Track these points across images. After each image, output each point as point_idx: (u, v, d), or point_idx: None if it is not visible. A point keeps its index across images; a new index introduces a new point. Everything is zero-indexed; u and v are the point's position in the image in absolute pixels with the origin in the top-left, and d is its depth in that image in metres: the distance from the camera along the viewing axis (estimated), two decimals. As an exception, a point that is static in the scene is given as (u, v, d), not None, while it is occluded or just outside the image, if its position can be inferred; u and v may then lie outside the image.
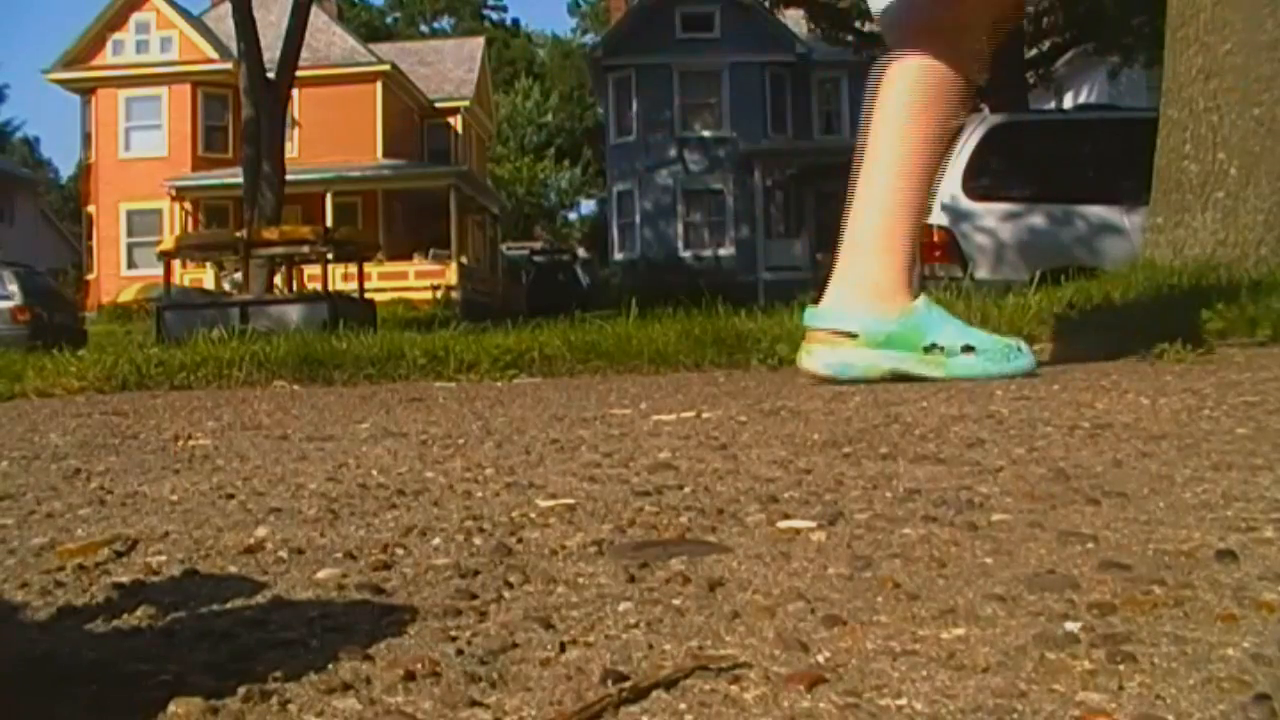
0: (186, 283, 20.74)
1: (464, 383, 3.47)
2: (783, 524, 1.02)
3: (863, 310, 2.59)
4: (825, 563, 0.88)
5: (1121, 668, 0.62)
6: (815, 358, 2.62)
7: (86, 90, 31.14)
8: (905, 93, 2.61)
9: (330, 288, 12.29)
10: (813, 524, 1.02)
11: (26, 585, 0.90)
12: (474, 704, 0.59)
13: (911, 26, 2.62)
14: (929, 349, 2.54)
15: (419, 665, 0.65)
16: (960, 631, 0.69)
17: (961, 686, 0.60)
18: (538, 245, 39.92)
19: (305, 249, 11.15)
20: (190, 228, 28.45)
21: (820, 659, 0.65)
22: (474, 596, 0.81)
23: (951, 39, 2.60)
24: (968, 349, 2.54)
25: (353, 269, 12.34)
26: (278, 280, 13.65)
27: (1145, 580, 0.79)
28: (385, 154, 31.14)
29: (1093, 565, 0.84)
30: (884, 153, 2.62)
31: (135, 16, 31.37)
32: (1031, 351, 2.59)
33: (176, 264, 13.06)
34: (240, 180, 16.60)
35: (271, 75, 16.27)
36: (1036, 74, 18.46)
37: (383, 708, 0.59)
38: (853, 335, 2.58)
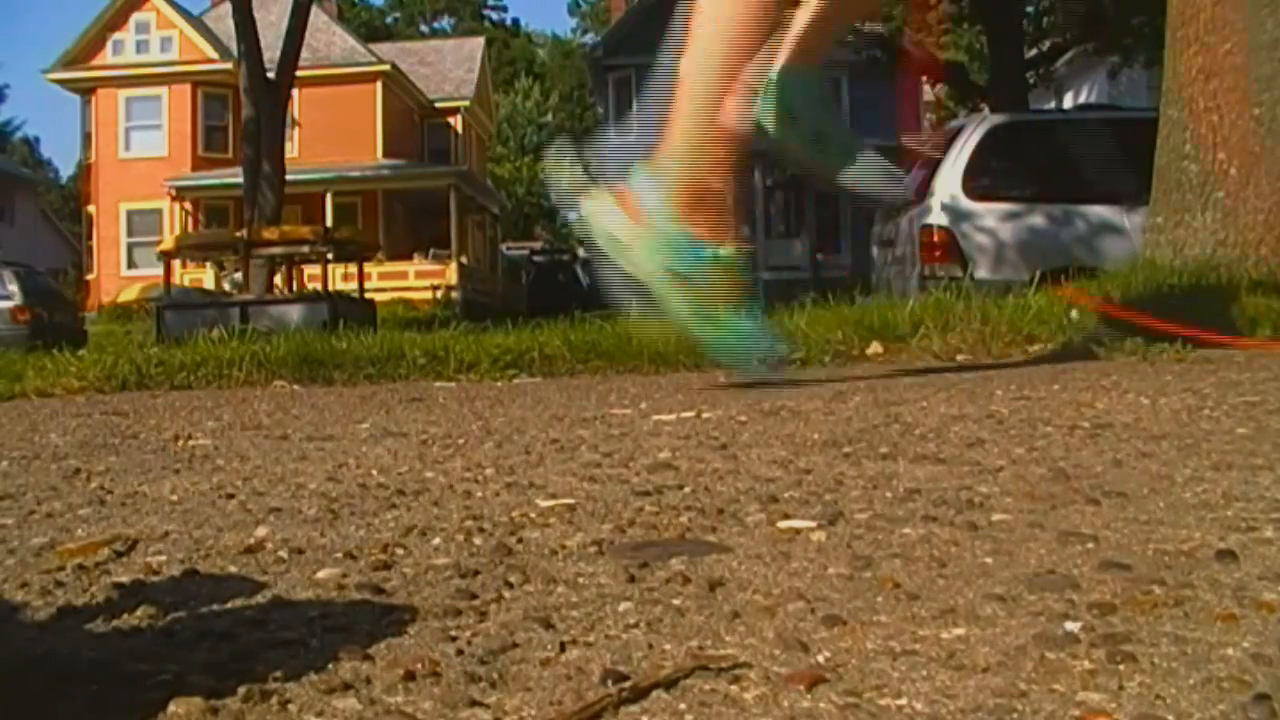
0: (186, 283, 20.73)
1: (464, 383, 3.47)
2: (783, 524, 1.02)
3: (673, 210, 2.37)
4: (825, 563, 0.88)
5: (1121, 668, 0.62)
6: (602, 210, 2.44)
7: (86, 90, 31.13)
8: None
9: (330, 288, 12.29)
10: (813, 524, 1.02)
11: (26, 585, 0.90)
12: (474, 704, 0.59)
13: None
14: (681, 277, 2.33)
15: (419, 665, 0.65)
16: (960, 631, 0.69)
17: (961, 686, 0.60)
18: (538, 245, 39.91)
19: (305, 249, 11.15)
20: (190, 228, 28.45)
21: (820, 659, 0.65)
22: (474, 596, 0.81)
23: None
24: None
25: (353, 269, 12.34)
26: (278, 280, 13.65)
27: (1145, 580, 0.79)
28: (385, 154, 31.13)
29: (1093, 565, 0.84)
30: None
31: (135, 16, 31.36)
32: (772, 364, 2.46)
33: (176, 264, 13.06)
34: (240, 180, 16.61)
35: (271, 75, 16.27)
36: (1036, 74, 18.47)
37: (383, 708, 0.59)
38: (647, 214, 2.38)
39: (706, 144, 2.43)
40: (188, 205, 30.03)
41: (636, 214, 2.42)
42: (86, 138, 31.63)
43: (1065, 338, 3.46)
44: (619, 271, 2.42)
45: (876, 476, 1.26)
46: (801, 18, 2.38)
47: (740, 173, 2.49)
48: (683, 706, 0.58)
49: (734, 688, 0.61)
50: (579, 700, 0.60)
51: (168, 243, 11.92)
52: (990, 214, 8.50)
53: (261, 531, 1.07)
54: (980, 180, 8.58)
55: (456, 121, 35.78)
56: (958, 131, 9.08)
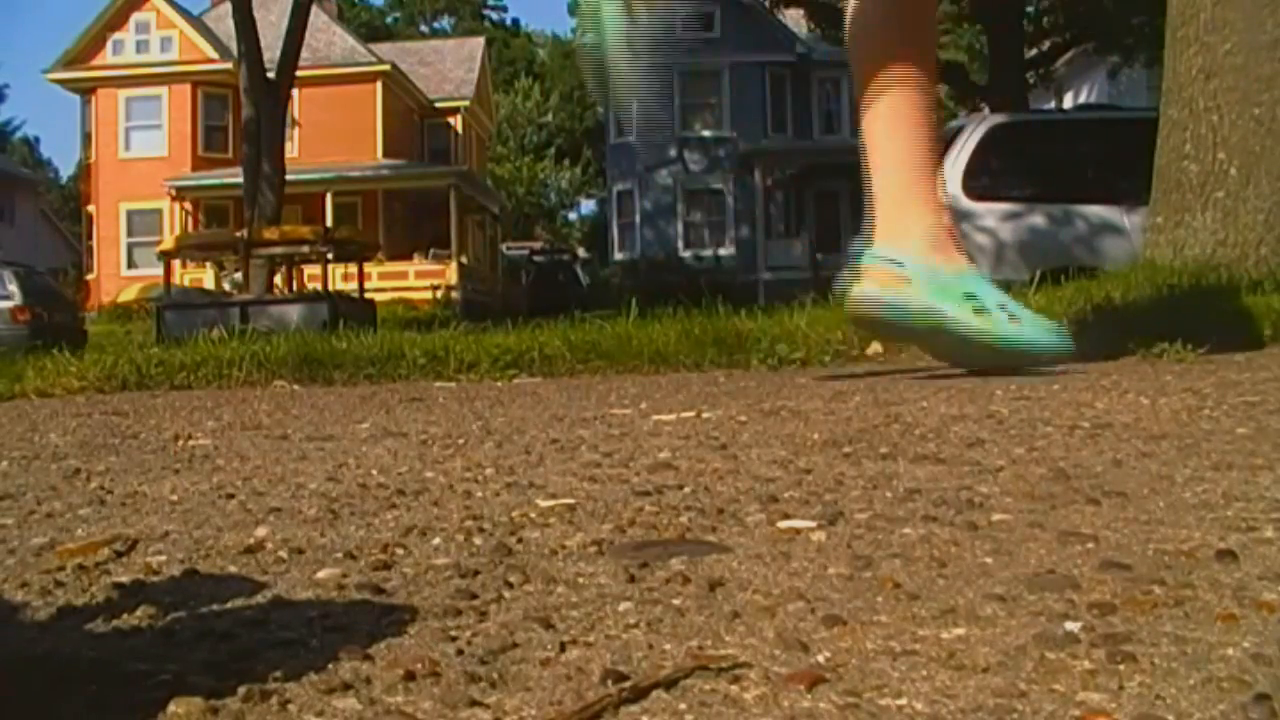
0: (186, 283, 20.73)
1: (464, 383, 3.47)
2: (783, 524, 1.02)
3: (919, 255, 2.53)
4: (825, 563, 0.88)
5: (1121, 668, 0.62)
6: (868, 294, 2.56)
7: (86, 90, 31.13)
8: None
9: (330, 287, 12.29)
10: (813, 524, 1.02)
11: (26, 585, 0.90)
12: (474, 704, 0.59)
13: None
14: (979, 310, 2.49)
15: (419, 665, 0.64)
16: (960, 631, 0.69)
17: (961, 686, 0.60)
18: (538, 245, 39.90)
19: (305, 249, 11.16)
20: (190, 228, 28.45)
21: (820, 659, 0.65)
22: (474, 596, 0.81)
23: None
24: (1013, 317, 2.51)
25: (353, 269, 12.34)
26: (278, 280, 13.65)
27: (1145, 580, 0.79)
28: (385, 154, 31.14)
29: (1093, 565, 0.84)
30: (888, 107, 2.60)
31: (135, 16, 31.36)
32: (1071, 339, 2.56)
33: (176, 264, 13.07)
34: (240, 180, 16.61)
35: (271, 75, 16.27)
36: (1036, 74, 18.47)
37: (383, 708, 0.59)
38: (908, 280, 2.52)
39: (925, 190, 2.60)
40: (188, 205, 30.04)
41: (895, 279, 2.55)
42: (86, 138, 31.63)
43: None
44: (912, 324, 2.56)
45: (876, 476, 1.26)
46: None
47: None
48: (683, 706, 0.58)
49: (734, 688, 0.61)
50: (579, 700, 0.60)
51: (168, 243, 11.92)
52: (990, 214, 8.50)
53: (261, 531, 1.07)
54: (980, 180, 8.58)
55: (456, 121, 35.79)
56: (958, 131, 9.08)
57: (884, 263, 2.56)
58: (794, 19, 26.11)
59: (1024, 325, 2.51)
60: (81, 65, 31.03)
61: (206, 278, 22.92)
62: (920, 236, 2.57)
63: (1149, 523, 0.98)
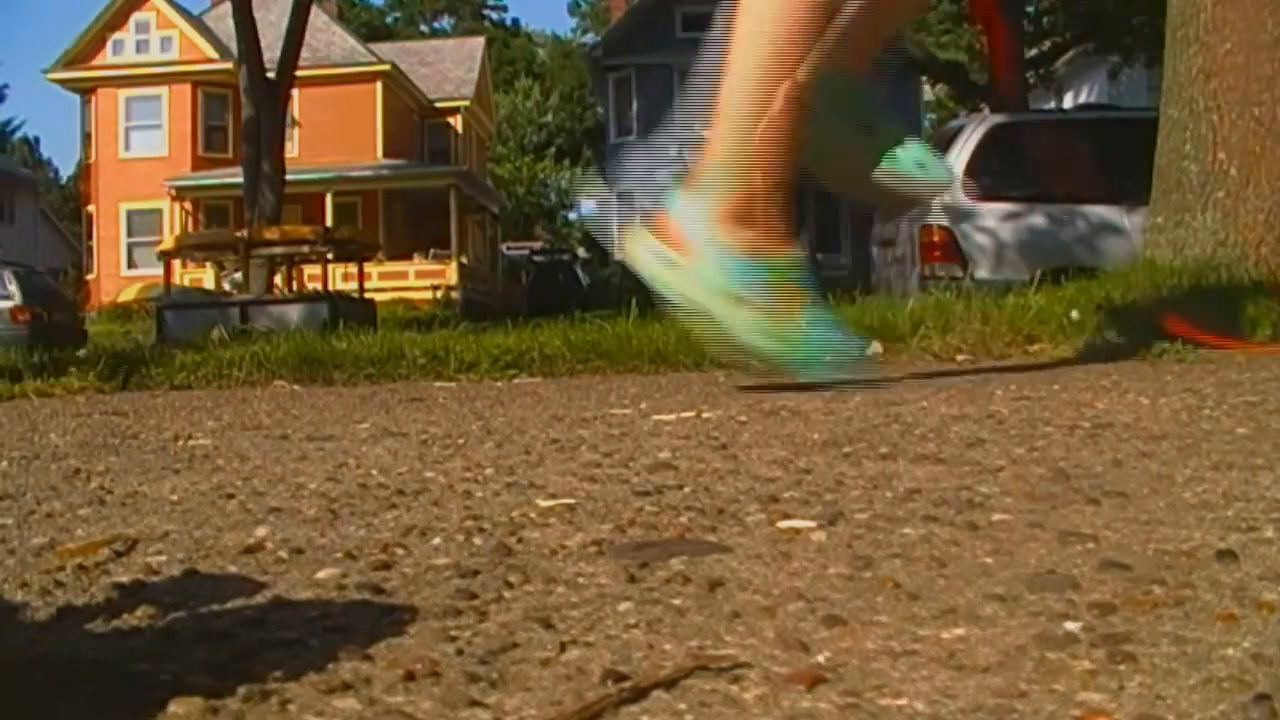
0: (186, 283, 20.74)
1: (464, 383, 3.47)
2: (783, 524, 1.02)
3: (719, 229, 2.26)
4: (825, 563, 0.88)
5: (1121, 668, 0.62)
6: (644, 248, 2.32)
7: (86, 90, 31.14)
8: None
9: (330, 287, 12.30)
10: (813, 524, 1.02)
11: (26, 585, 0.90)
12: (474, 704, 0.59)
13: None
14: (739, 301, 2.22)
15: (419, 665, 0.64)
16: (960, 631, 0.69)
17: (961, 686, 0.60)
18: (538, 245, 39.89)
19: (305, 249, 11.16)
20: (190, 228, 28.45)
21: (820, 659, 0.65)
22: (474, 596, 0.81)
23: None
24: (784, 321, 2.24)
25: (353, 269, 12.34)
26: (278, 280, 13.66)
27: (1145, 580, 0.79)
28: (385, 154, 31.14)
29: (1093, 565, 0.84)
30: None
31: (135, 16, 31.36)
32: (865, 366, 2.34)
33: (176, 264, 13.06)
34: (240, 180, 16.61)
35: (271, 75, 16.27)
36: (1036, 74, 18.47)
37: (383, 708, 0.59)
38: (691, 251, 2.27)
39: (753, 149, 2.29)
40: (188, 205, 30.04)
41: (680, 243, 2.30)
42: (86, 138, 31.63)
43: (1065, 338, 3.46)
44: (676, 305, 2.31)
45: (876, 476, 1.26)
46: (837, 24, 2.28)
47: (788, 174, 2.36)
48: (683, 706, 0.58)
49: (734, 688, 0.61)
50: (579, 700, 0.60)
51: (168, 243, 11.93)
52: (990, 214, 8.51)
53: (261, 531, 1.07)
54: (980, 180, 8.59)
55: (456, 121, 35.79)
56: (958, 131, 9.08)
57: (678, 217, 2.31)
58: (794, 19, 26.06)
59: (795, 334, 2.26)
60: (81, 65, 31.03)
61: (206, 278, 22.93)
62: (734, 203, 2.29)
63: (1149, 523, 0.98)
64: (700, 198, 2.32)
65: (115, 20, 31.29)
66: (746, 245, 2.27)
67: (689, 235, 2.30)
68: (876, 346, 3.49)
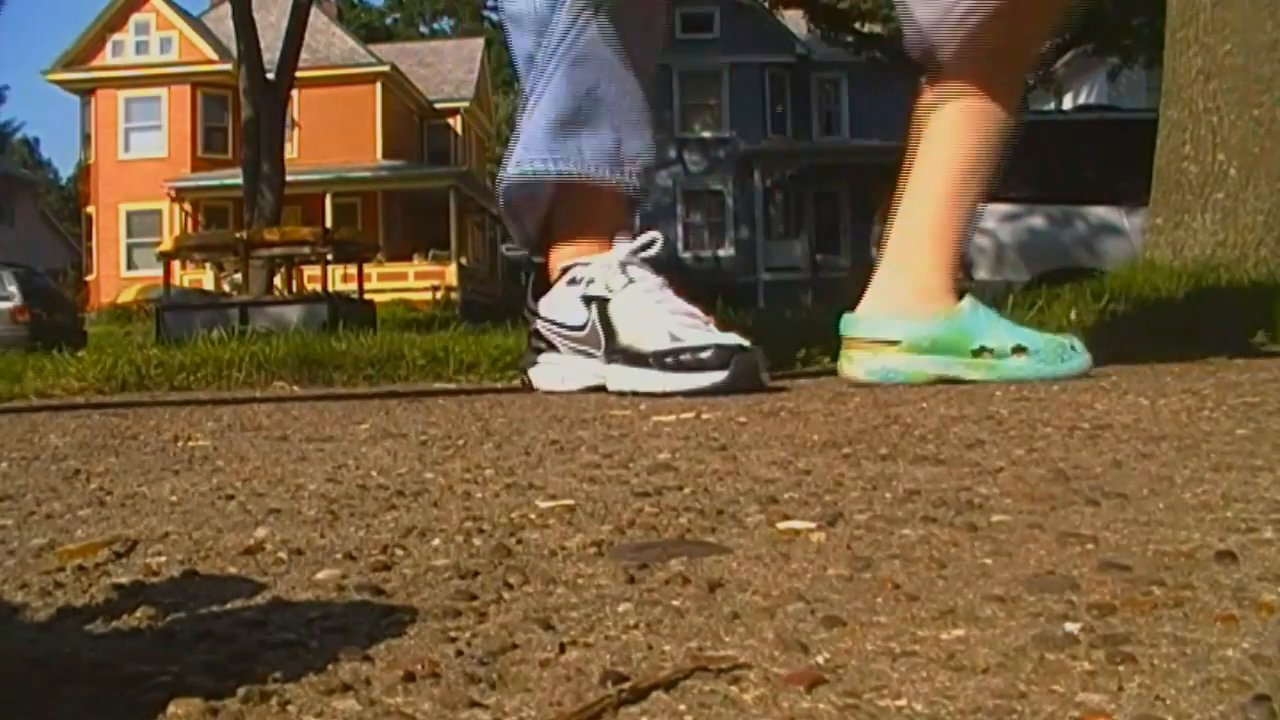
0: (186, 284, 20.74)
1: (463, 383, 3.47)
2: (782, 525, 1.02)
3: (903, 315, 2.48)
4: (825, 563, 0.88)
5: (1121, 668, 0.62)
6: (857, 365, 2.53)
7: (86, 91, 31.15)
8: (952, 115, 2.54)
9: (330, 288, 12.30)
10: (812, 525, 1.02)
11: (26, 586, 0.90)
12: (474, 704, 0.59)
13: (964, 48, 2.47)
14: (978, 352, 2.43)
15: (419, 666, 0.64)
16: (960, 632, 0.69)
17: (961, 687, 0.60)
18: (538, 246, 39.81)
19: (305, 250, 11.17)
20: (190, 228, 28.45)
21: (820, 659, 0.65)
22: (474, 597, 0.81)
23: (1001, 64, 2.52)
24: (1019, 349, 2.43)
25: (352, 269, 12.35)
26: (277, 281, 13.66)
27: (1145, 581, 0.79)
28: (385, 155, 31.16)
29: (1093, 566, 0.84)
30: (930, 169, 2.56)
31: (135, 17, 31.38)
32: (1086, 350, 2.46)
33: (176, 265, 13.06)
34: (240, 181, 16.63)
35: (271, 76, 16.28)
36: (1036, 74, 18.48)
37: (382, 708, 0.59)
38: (894, 342, 2.48)
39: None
40: (187, 206, 30.04)
41: (881, 346, 2.50)
42: (86, 138, 31.64)
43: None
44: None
45: (876, 477, 1.26)
46: None
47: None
48: (682, 707, 0.58)
49: (734, 688, 0.61)
50: (579, 701, 0.60)
51: (167, 243, 11.93)
52: (990, 215, 8.51)
53: (261, 532, 1.07)
54: (980, 181, 8.56)
55: (456, 122, 35.80)
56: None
57: (864, 332, 2.53)
58: (794, 19, 26.11)
59: (1030, 357, 2.42)
60: (81, 66, 31.05)
61: (206, 279, 22.94)
62: (908, 291, 2.52)
63: (1149, 524, 0.98)
64: (878, 303, 2.55)
65: (115, 21, 31.30)
66: (939, 310, 2.49)
67: (880, 336, 2.51)
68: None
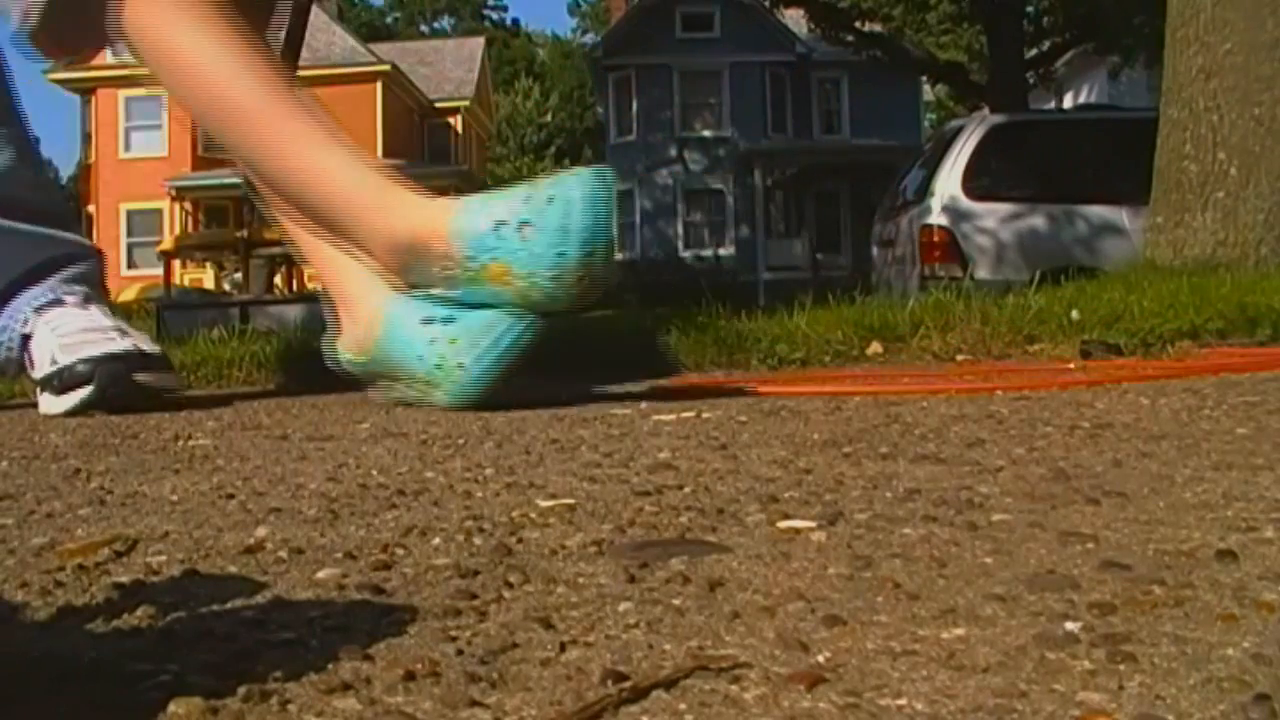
0: (186, 283, 20.74)
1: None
2: (783, 524, 1.02)
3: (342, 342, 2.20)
4: (825, 563, 0.88)
5: (1121, 668, 0.62)
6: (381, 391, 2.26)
7: (86, 90, 31.16)
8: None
9: (330, 288, 12.27)
10: (813, 524, 1.02)
11: (26, 585, 0.90)
12: (474, 704, 0.59)
13: None
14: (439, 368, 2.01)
15: (419, 665, 0.65)
16: (960, 631, 0.69)
17: (961, 686, 0.60)
18: (538, 245, 39.77)
19: (305, 249, 11.14)
20: (190, 228, 28.46)
21: (820, 659, 0.65)
22: (474, 596, 0.81)
23: None
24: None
25: (353, 269, 12.32)
26: (278, 280, 13.66)
27: (1145, 580, 0.79)
28: (385, 154, 31.15)
29: (1093, 565, 0.84)
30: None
31: (135, 16, 31.30)
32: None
33: (176, 264, 13.06)
34: (240, 180, 16.63)
35: (272, 75, 16.27)
36: (1036, 74, 18.49)
37: (383, 708, 0.59)
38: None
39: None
40: (188, 205, 30.05)
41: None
42: (86, 138, 31.66)
43: (1065, 338, 3.46)
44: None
45: (876, 476, 1.26)
46: None
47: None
48: (683, 706, 0.58)
49: (734, 688, 0.61)
50: (579, 700, 0.60)
51: (168, 243, 11.93)
52: (990, 214, 8.52)
53: (261, 532, 1.07)
54: (980, 180, 8.60)
55: (457, 121, 35.81)
56: (958, 131, 9.08)
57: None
58: (794, 19, 26.11)
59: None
60: (81, 65, 31.03)
61: (206, 278, 22.93)
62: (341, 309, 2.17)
63: (1149, 523, 0.98)
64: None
65: (115, 20, 31.27)
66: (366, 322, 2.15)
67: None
68: (877, 347, 3.49)
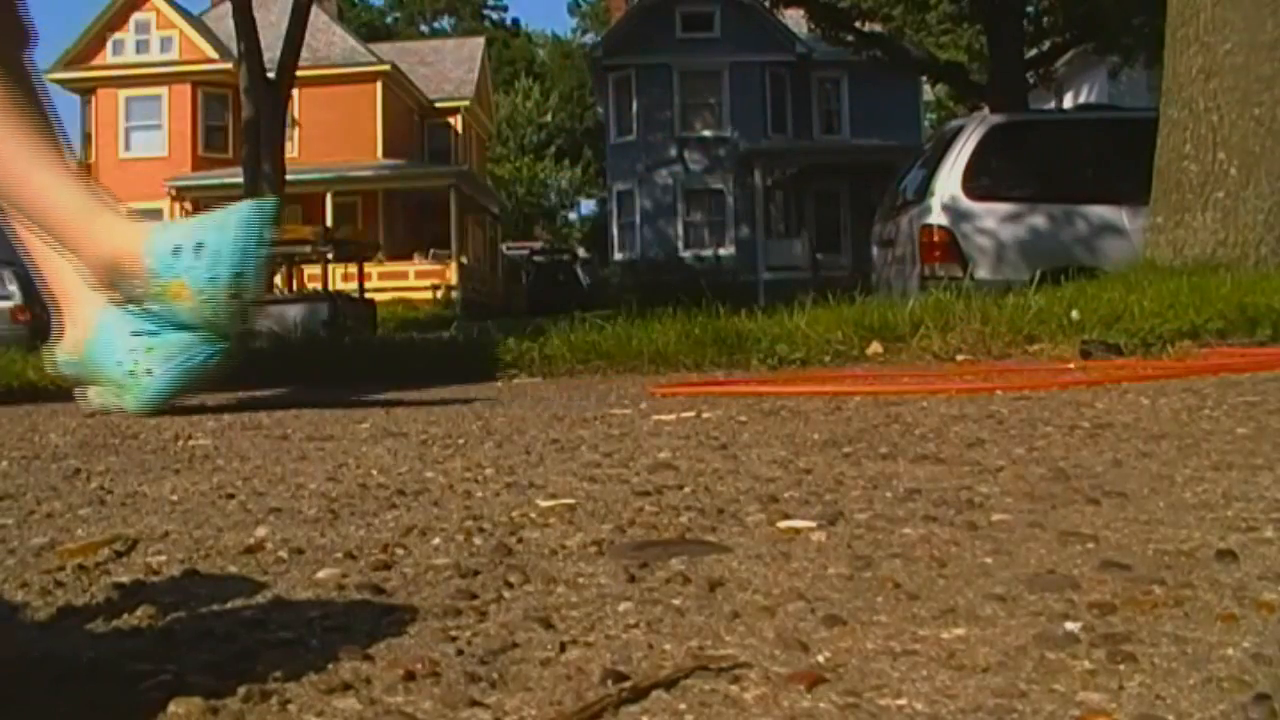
0: (186, 283, 20.70)
1: (464, 383, 3.47)
2: (783, 524, 1.02)
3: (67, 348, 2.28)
4: (825, 563, 0.88)
5: (1121, 668, 0.62)
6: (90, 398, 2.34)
7: (86, 90, 31.12)
8: None
9: (330, 287, 12.30)
10: (813, 524, 1.02)
11: (26, 585, 0.90)
12: (474, 704, 0.59)
13: None
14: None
15: (419, 665, 0.65)
16: (960, 631, 0.69)
17: (961, 686, 0.60)
18: (538, 245, 39.88)
19: (305, 249, 11.16)
20: (190, 228, 28.35)
21: (820, 659, 0.65)
22: (474, 596, 0.81)
23: None
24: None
25: (353, 269, 12.35)
26: (278, 280, 13.66)
27: (1145, 580, 0.79)
28: (385, 154, 31.13)
29: (1093, 565, 0.84)
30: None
31: (135, 16, 31.35)
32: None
33: (176, 264, 13.04)
34: (240, 180, 16.60)
35: (271, 75, 16.26)
36: (1036, 74, 18.47)
37: (383, 708, 0.59)
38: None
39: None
40: (188, 205, 30.01)
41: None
42: (87, 138, 31.61)
43: (1065, 338, 3.46)
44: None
45: (876, 476, 1.26)
46: None
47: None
48: (683, 706, 0.58)
49: (734, 688, 0.61)
50: (579, 700, 0.60)
51: (168, 243, 11.89)
52: (990, 214, 8.51)
53: (261, 531, 1.07)
54: (980, 180, 8.58)
55: (456, 121, 35.79)
56: (958, 131, 9.07)
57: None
58: (794, 19, 26.10)
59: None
60: (81, 65, 31.01)
61: (206, 278, 22.89)
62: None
63: (1149, 523, 0.98)
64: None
65: (115, 20, 31.27)
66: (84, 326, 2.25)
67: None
68: (877, 347, 3.49)
